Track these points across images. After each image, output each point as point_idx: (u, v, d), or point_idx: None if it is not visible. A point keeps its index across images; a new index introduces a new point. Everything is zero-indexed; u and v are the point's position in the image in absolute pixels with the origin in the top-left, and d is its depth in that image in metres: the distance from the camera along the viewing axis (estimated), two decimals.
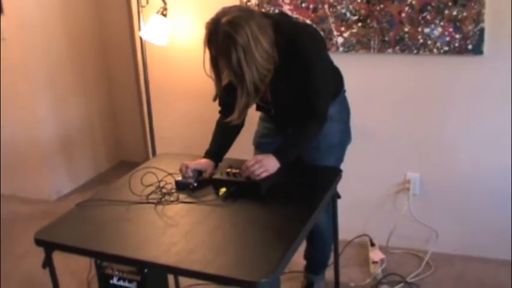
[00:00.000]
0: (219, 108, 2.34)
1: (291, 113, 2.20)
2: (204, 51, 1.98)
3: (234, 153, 2.34)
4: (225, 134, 2.30)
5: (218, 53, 1.95)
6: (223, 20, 1.88)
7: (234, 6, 1.98)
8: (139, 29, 3.26)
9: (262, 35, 1.92)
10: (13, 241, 3.45)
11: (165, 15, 3.10)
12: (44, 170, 4.09)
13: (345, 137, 2.43)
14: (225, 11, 1.92)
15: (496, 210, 2.86)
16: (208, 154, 2.26)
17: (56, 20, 4.01)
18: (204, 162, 2.22)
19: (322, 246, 2.61)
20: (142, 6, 3.20)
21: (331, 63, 2.31)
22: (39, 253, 1.88)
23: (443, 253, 3.01)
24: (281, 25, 2.03)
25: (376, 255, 2.93)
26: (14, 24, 3.75)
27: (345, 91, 2.41)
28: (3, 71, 3.88)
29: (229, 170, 2.15)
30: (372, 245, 3.01)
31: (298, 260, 2.72)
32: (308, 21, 2.87)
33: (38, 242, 1.84)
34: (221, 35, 1.88)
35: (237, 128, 2.29)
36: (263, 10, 2.94)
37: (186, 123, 3.48)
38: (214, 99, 2.16)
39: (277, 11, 2.90)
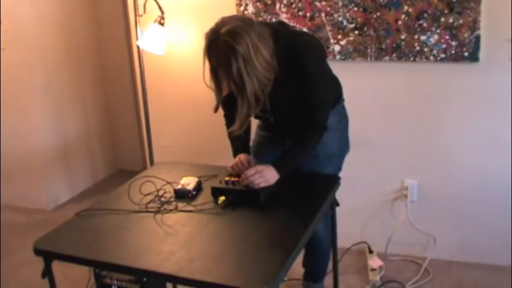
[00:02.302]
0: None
1: (290, 122, 2.21)
2: (204, 61, 1.97)
3: (231, 159, 2.34)
4: (239, 135, 2.30)
5: (218, 63, 1.94)
6: (223, 30, 1.88)
7: (233, 16, 1.97)
8: (137, 38, 3.26)
9: (262, 44, 1.92)
10: (10, 250, 3.44)
11: (162, 24, 3.11)
12: (41, 179, 4.08)
13: (344, 146, 2.43)
14: (224, 21, 1.91)
15: (494, 216, 2.87)
16: (239, 152, 2.31)
17: (54, 30, 4.02)
18: (245, 155, 2.27)
19: (321, 254, 2.61)
20: (140, 16, 3.21)
21: (330, 72, 2.32)
22: (37, 262, 1.88)
23: (442, 259, 3.01)
24: (280, 34, 2.03)
25: (374, 262, 2.93)
26: (12, 35, 3.75)
27: (343, 100, 2.41)
28: (1, 81, 3.88)
29: (228, 178, 2.15)
30: (370, 252, 3.01)
31: (297, 268, 2.72)
32: (305, 30, 2.89)
33: (37, 251, 1.84)
34: (221, 45, 1.87)
35: (247, 126, 2.31)
36: (260, 19, 2.96)
37: (184, 132, 3.49)
38: (215, 111, 2.13)
39: (274, 19, 2.91)
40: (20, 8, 3.73)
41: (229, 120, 2.28)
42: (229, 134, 2.33)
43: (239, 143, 2.35)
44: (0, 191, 4.19)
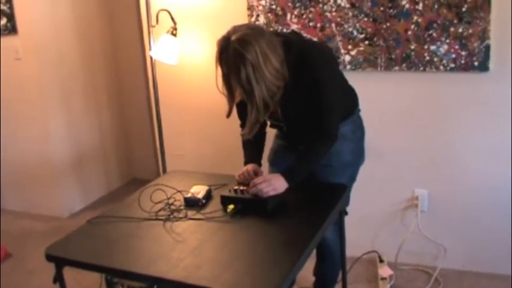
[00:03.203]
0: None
1: (302, 130, 2.23)
2: (216, 68, 2.01)
3: (242, 168, 2.35)
4: (253, 145, 2.35)
5: (228, 70, 1.98)
6: (233, 37, 1.92)
7: (245, 25, 2.01)
8: (150, 49, 3.31)
9: (272, 52, 1.94)
10: (25, 257, 3.50)
11: (174, 35, 3.15)
12: (56, 187, 4.14)
13: (358, 156, 2.43)
14: (235, 29, 1.96)
15: (505, 226, 2.86)
16: (249, 162, 2.34)
17: (70, 41, 4.08)
18: (253, 165, 2.31)
19: (331, 263, 2.61)
20: (153, 26, 3.26)
21: (345, 81, 2.33)
22: (51, 269, 1.91)
23: (452, 269, 3.01)
24: (292, 43, 2.06)
25: (384, 271, 2.93)
26: (29, 45, 3.83)
27: (359, 110, 2.42)
28: (18, 90, 3.96)
29: (237, 187, 2.17)
30: (381, 261, 3.02)
31: (308, 276, 2.74)
32: (315, 40, 2.92)
33: (49, 257, 1.88)
34: (231, 53, 1.91)
35: (261, 136, 2.37)
36: (271, 29, 3.00)
37: (197, 141, 3.52)
38: (228, 116, 2.15)
39: (285, 30, 2.95)
40: (37, 18, 3.81)
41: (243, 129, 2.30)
42: (244, 143, 2.37)
43: (251, 154, 2.38)
44: (15, 198, 4.26)
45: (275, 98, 2.02)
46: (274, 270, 1.66)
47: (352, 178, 2.43)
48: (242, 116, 2.29)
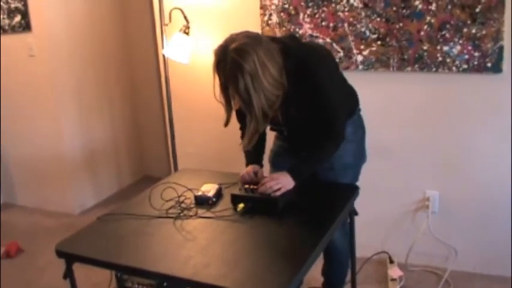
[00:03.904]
0: (239, 124, 2.38)
1: (303, 134, 2.22)
2: (214, 77, 1.99)
3: None
4: (254, 146, 2.32)
5: (226, 80, 1.95)
6: (231, 47, 1.89)
7: (242, 33, 1.97)
8: (163, 47, 3.33)
9: (270, 61, 1.92)
10: (36, 253, 3.53)
11: (187, 34, 3.16)
12: (68, 184, 4.17)
13: (360, 156, 2.43)
14: (232, 38, 1.93)
15: None
16: (250, 164, 2.34)
17: (83, 38, 4.11)
18: (253, 166, 2.31)
19: (339, 264, 2.61)
20: (165, 25, 3.27)
21: (344, 82, 2.33)
22: (61, 265, 1.93)
23: (463, 271, 2.99)
24: (290, 48, 2.04)
25: (394, 272, 2.92)
26: (43, 42, 3.85)
27: (360, 110, 2.41)
28: (32, 87, 3.99)
29: (247, 186, 2.18)
30: (391, 262, 3.01)
31: (317, 275, 2.74)
32: (328, 40, 2.92)
33: (59, 253, 1.89)
34: (229, 62, 1.89)
35: (261, 137, 2.35)
36: (284, 29, 3.00)
37: (208, 139, 3.53)
38: (226, 125, 2.13)
39: (298, 30, 2.95)
40: (51, 16, 3.84)
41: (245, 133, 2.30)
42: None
43: (252, 156, 2.37)
44: (27, 194, 4.29)
45: (274, 107, 2.00)
46: (282, 270, 1.66)
47: (355, 178, 2.43)
48: (241, 120, 2.29)
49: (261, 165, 2.37)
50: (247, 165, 2.36)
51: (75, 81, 4.08)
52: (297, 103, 2.10)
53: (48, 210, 4.22)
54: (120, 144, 4.63)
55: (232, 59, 1.88)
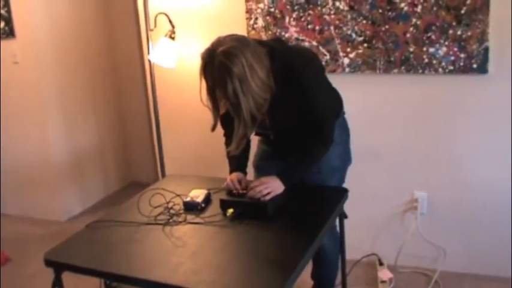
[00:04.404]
0: (224, 130, 2.37)
1: (290, 139, 2.22)
2: (200, 81, 1.97)
3: None
4: (239, 153, 2.32)
5: (214, 84, 1.94)
6: (219, 50, 1.87)
7: (229, 36, 1.96)
8: (148, 52, 3.31)
9: (258, 64, 1.91)
10: (24, 261, 3.49)
11: (173, 38, 3.15)
12: (55, 191, 4.13)
13: (346, 159, 2.44)
14: (220, 41, 1.92)
15: (505, 228, 2.86)
16: (234, 171, 2.32)
17: (67, 44, 4.08)
18: (236, 174, 2.28)
19: (328, 267, 2.61)
20: (151, 30, 3.26)
21: (329, 85, 2.33)
22: (50, 273, 1.91)
23: (452, 272, 3.00)
24: (276, 51, 2.03)
25: (384, 274, 2.92)
26: (26, 48, 3.82)
27: (344, 113, 2.41)
28: (16, 94, 3.95)
29: (235, 191, 2.17)
30: (381, 264, 3.01)
31: (307, 278, 2.73)
32: (314, 43, 2.92)
33: (48, 262, 1.88)
34: (217, 66, 1.88)
35: (246, 144, 2.32)
36: (270, 33, 2.99)
37: (196, 144, 3.52)
38: (213, 130, 2.12)
39: (284, 33, 2.94)
40: (35, 22, 3.81)
41: (229, 139, 2.28)
42: (228, 153, 2.32)
43: (236, 163, 2.35)
44: (14, 202, 4.25)
45: (262, 110, 1.99)
46: (273, 275, 1.65)
47: (341, 181, 2.43)
48: (226, 125, 2.26)
49: (245, 173, 2.35)
50: (231, 172, 2.33)
51: (60, 88, 4.04)
52: (284, 106, 2.09)
53: (35, 217, 4.17)
54: (107, 149, 4.60)
55: (220, 62, 1.87)
